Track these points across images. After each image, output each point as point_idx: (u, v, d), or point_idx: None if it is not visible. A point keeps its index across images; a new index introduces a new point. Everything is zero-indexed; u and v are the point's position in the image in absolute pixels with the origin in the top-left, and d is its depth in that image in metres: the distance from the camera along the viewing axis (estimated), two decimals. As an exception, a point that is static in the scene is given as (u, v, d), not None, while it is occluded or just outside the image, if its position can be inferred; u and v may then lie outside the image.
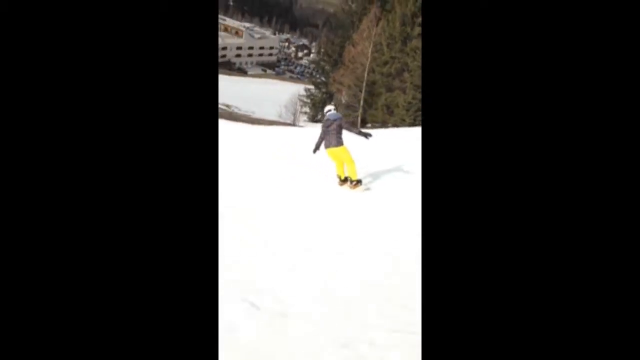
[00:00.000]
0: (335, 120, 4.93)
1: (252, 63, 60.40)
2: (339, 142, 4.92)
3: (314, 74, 31.98)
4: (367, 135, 5.05)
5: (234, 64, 56.30)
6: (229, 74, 44.53)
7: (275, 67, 63.36)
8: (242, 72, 54.07)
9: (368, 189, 4.98)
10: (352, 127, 5.17)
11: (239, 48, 58.76)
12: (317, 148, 5.21)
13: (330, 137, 4.90)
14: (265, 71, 58.99)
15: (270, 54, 65.28)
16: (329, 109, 5.20)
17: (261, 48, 62.91)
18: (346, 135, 4.97)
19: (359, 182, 4.88)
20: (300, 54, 75.66)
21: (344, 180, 5.04)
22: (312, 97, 25.96)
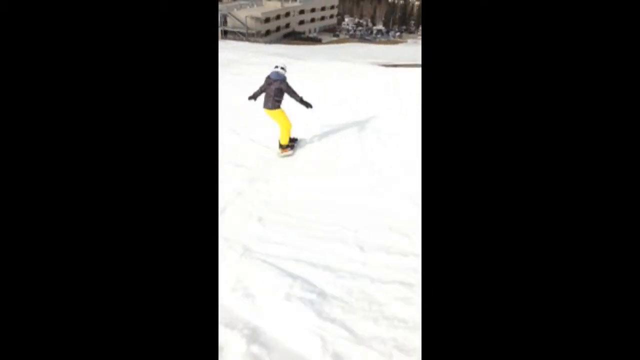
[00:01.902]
0: (276, 80, 4.71)
1: (315, 29, 53.73)
2: (275, 106, 4.77)
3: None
4: (308, 105, 4.89)
5: (301, 32, 49.99)
6: (302, 44, 38.77)
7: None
8: (314, 40, 47.24)
9: (291, 154, 4.90)
10: (295, 93, 4.71)
11: (302, 12, 51.73)
12: (253, 97, 5.00)
13: (267, 98, 4.75)
14: (337, 36, 52.07)
15: (332, 16, 58.15)
16: (276, 66, 4.88)
17: (322, 9, 55.65)
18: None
19: (287, 147, 4.90)
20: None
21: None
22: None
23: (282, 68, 4.82)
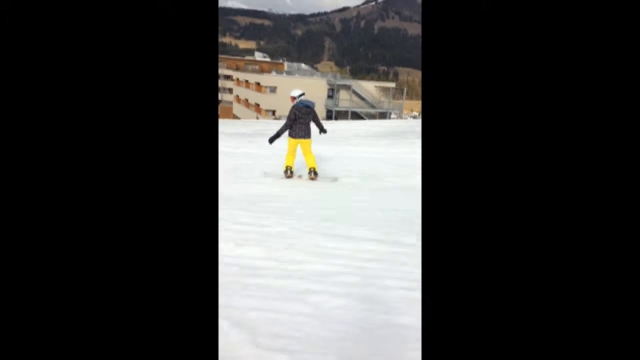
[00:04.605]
0: (313, 108, 4.59)
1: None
2: (309, 134, 4.60)
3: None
4: (324, 130, 4.90)
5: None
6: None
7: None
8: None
9: (336, 179, 4.86)
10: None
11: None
12: (277, 137, 4.76)
13: (304, 128, 4.56)
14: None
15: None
16: (302, 93, 4.70)
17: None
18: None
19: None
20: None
21: (290, 173, 4.79)
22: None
23: (303, 94, 4.72)
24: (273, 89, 31.13)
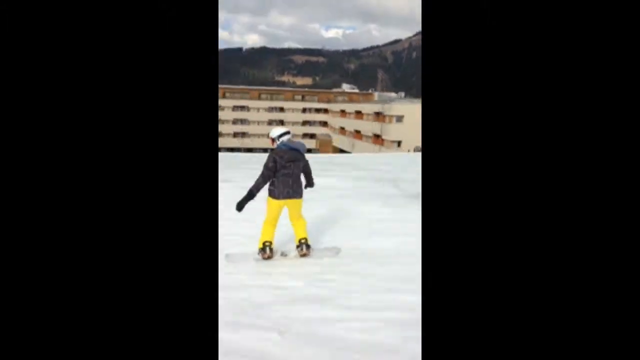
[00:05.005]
0: (303, 153, 3.14)
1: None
2: (299, 191, 3.15)
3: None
4: (312, 185, 3.35)
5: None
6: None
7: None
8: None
9: (339, 250, 3.41)
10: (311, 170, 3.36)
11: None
12: (251, 197, 3.09)
13: (292, 181, 3.07)
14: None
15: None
16: (286, 131, 3.12)
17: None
18: None
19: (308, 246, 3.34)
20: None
21: (268, 251, 3.19)
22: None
23: (288, 133, 3.21)
24: (399, 118, 28.96)
